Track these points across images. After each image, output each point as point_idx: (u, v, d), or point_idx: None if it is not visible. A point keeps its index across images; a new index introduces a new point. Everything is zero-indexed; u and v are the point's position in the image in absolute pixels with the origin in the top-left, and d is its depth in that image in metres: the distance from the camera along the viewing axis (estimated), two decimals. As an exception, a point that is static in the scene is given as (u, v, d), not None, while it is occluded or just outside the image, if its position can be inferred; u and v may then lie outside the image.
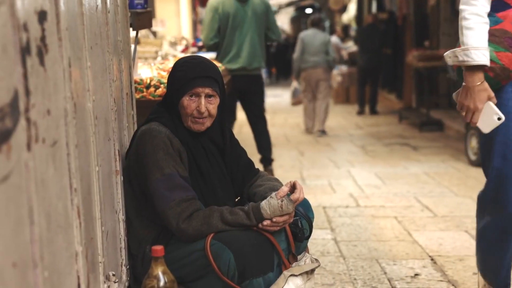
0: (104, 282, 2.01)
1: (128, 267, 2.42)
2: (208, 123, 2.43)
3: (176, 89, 2.41)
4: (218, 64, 4.75)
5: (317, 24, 9.27)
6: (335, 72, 13.79)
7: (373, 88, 11.59)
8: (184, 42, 8.03)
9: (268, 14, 5.79)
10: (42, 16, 1.44)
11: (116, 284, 2.06)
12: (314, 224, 4.34)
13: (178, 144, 2.36)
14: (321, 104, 9.19)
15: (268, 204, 2.29)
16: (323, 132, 9.13)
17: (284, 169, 6.57)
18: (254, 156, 6.96)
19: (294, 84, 9.83)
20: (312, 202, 5.00)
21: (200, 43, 8.12)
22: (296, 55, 9.11)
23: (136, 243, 2.41)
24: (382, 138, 8.62)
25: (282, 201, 2.29)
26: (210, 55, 5.54)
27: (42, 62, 1.41)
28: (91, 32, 1.99)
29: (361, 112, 11.58)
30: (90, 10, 2.00)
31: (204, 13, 5.67)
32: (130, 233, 2.43)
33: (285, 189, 2.33)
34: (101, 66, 2.12)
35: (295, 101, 9.84)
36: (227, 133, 2.56)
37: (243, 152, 2.64)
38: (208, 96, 2.41)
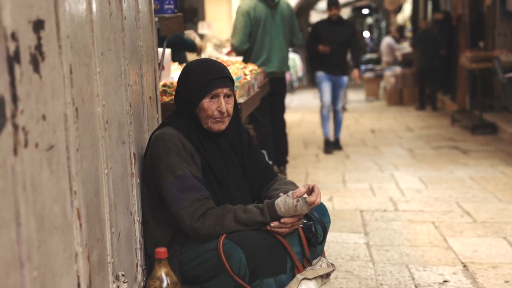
0: (114, 282, 2.06)
1: (144, 267, 2.47)
2: (227, 122, 2.47)
3: (194, 92, 2.44)
4: (255, 67, 4.78)
5: None
6: (388, 73, 13.67)
7: (432, 89, 12.52)
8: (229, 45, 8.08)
9: (293, 19, 5.84)
10: (38, 25, 1.49)
11: (126, 284, 2.10)
12: (348, 228, 4.37)
13: (191, 148, 2.39)
14: None
15: (284, 202, 2.30)
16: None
17: (327, 171, 6.54)
18: (298, 158, 6.95)
19: None
20: (350, 206, 5.02)
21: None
22: None
23: (152, 244, 2.45)
24: (432, 141, 8.47)
25: (297, 201, 2.29)
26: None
27: (37, 69, 1.47)
28: (102, 38, 2.04)
29: (421, 108, 12.55)
30: (102, 17, 2.05)
31: (234, 17, 5.69)
32: (146, 234, 2.48)
33: (302, 190, 2.33)
34: (114, 71, 2.17)
35: None
36: (243, 133, 2.59)
37: (261, 155, 2.66)
38: (226, 96, 2.45)
